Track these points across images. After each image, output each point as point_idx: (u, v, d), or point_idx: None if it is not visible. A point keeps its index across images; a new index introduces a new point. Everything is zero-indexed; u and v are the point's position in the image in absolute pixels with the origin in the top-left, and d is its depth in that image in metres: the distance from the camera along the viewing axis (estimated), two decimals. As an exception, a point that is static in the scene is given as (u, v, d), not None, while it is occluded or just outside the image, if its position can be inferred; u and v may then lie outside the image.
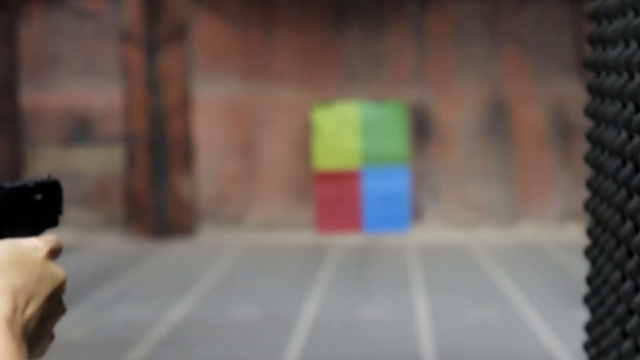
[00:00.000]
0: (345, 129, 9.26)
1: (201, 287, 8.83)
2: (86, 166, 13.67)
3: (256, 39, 13.95)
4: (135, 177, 11.79)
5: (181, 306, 8.00)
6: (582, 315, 1.87)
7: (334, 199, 9.17)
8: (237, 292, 8.59)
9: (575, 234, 11.84)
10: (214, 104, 13.68)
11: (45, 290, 0.89)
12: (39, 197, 0.93)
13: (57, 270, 0.91)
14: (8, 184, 0.91)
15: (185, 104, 11.85)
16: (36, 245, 0.90)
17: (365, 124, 9.21)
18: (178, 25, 11.77)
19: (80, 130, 13.73)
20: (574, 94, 13.24)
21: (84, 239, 12.02)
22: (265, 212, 13.12)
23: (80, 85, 13.96)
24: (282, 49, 13.88)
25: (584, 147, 2.04)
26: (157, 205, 11.72)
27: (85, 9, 13.67)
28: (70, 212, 13.62)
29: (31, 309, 0.87)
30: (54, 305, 0.90)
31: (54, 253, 0.92)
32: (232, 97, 13.76)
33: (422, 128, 13.62)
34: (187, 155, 11.85)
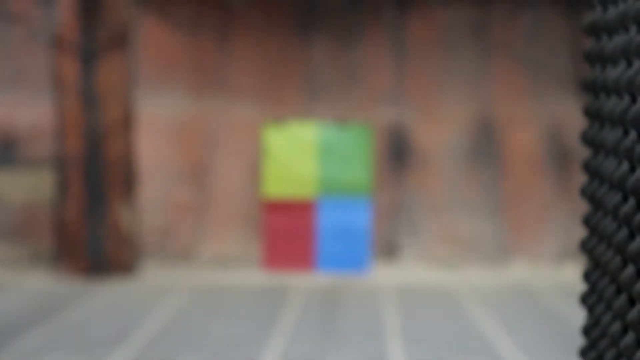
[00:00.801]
0: (300, 152, 9.27)
1: (143, 334, 8.78)
2: (10, 192, 13.56)
3: (209, 48, 13.97)
4: (67, 206, 11.72)
5: (119, 357, 7.94)
6: (579, 370, 1.88)
7: (285, 232, 9.15)
8: (184, 340, 8.54)
9: (574, 276, 11.93)
10: (160, 121, 13.65)
11: None
12: None
13: None
14: None
15: (126, 122, 11.82)
16: None
17: (323, 147, 9.21)
18: (119, 32, 11.76)
19: (3, 151, 13.63)
20: (573, 116, 13.39)
21: (6, 278, 11.91)
22: (218, 246, 13.08)
23: (4, 99, 13.88)
24: (238, 60, 13.91)
25: (584, 176, 2.06)
26: (92, 238, 11.66)
27: (12, 11, 13.62)
28: (-9, 246, 13.54)
29: None
30: None
31: None
32: (181, 114, 13.75)
33: (399, 152, 13.67)
34: (128, 181, 11.81)
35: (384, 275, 12.17)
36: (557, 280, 11.70)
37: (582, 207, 1.79)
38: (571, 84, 14.04)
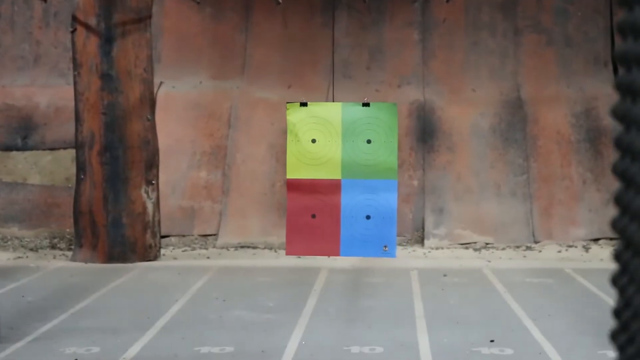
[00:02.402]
0: (324, 134, 9.21)
1: (165, 317, 8.80)
2: (29, 175, 13.62)
3: (231, 29, 13.97)
4: (87, 188, 11.75)
5: (141, 339, 7.97)
6: (612, 353, 1.85)
7: (308, 215, 9.10)
8: (207, 322, 8.56)
9: (605, 259, 11.86)
10: (181, 103, 13.67)
11: None
12: None
13: None
14: None
15: (146, 103, 11.82)
16: None
17: (347, 128, 9.14)
18: (140, 11, 11.75)
19: (22, 132, 13.70)
20: (605, 94, 13.29)
21: (26, 262, 11.98)
22: (240, 228, 13.10)
23: (23, 80, 13.94)
24: (260, 41, 13.90)
25: (615, 155, 2.02)
26: (113, 221, 11.68)
27: (31, -10, 13.67)
28: (9, 230, 13.61)
29: None
30: None
31: None
32: (202, 95, 13.76)
33: (426, 134, 13.64)
34: (148, 163, 11.82)
35: (411, 259, 12.17)
36: (588, 264, 11.64)
37: (614, 187, 1.75)
38: (602, 62, 13.94)
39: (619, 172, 1.78)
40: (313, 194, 9.07)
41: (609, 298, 8.58)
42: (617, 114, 1.81)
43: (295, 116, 9.26)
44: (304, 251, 9.25)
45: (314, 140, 9.24)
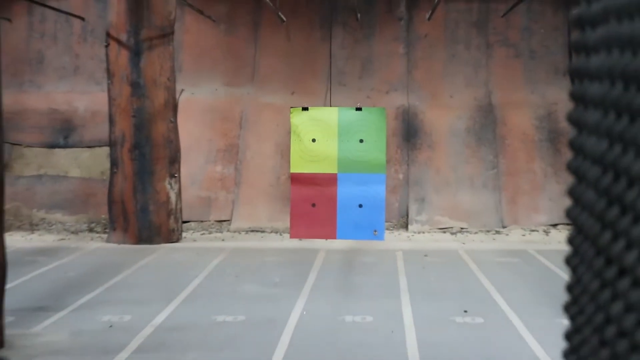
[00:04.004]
0: (323, 133, 9.23)
1: (186, 290, 8.82)
2: (69, 169, 13.64)
3: (242, 42, 13.97)
4: (119, 180, 11.76)
5: (166, 309, 7.99)
6: (566, 321, 1.88)
7: (308, 204, 9.13)
8: (222, 295, 8.58)
9: (562, 241, 11.88)
10: (199, 107, 13.68)
11: None
12: None
13: None
14: None
15: (169, 107, 11.83)
16: None
17: (343, 129, 9.17)
18: (164, 27, 11.75)
19: (64, 132, 13.71)
20: (564, 100, 13.29)
21: (68, 243, 11.99)
22: (250, 215, 13.11)
23: (64, 87, 13.94)
24: (267, 53, 13.89)
25: (570, 155, 2.05)
26: (141, 209, 11.70)
27: (70, 9, 13.65)
28: (54, 216, 13.62)
29: None
30: None
31: None
32: (217, 100, 13.77)
33: (410, 134, 13.65)
34: (171, 158, 11.84)
35: (396, 240, 12.18)
36: (547, 246, 11.66)
37: (569, 180, 1.78)
38: (561, 72, 13.93)
39: (573, 169, 1.81)
40: (313, 186, 9.08)
41: (565, 275, 8.60)
42: (572, 119, 1.84)
43: (298, 119, 9.27)
44: (305, 235, 9.27)
45: (314, 140, 9.24)
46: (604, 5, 1.63)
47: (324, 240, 10.46)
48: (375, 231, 9.15)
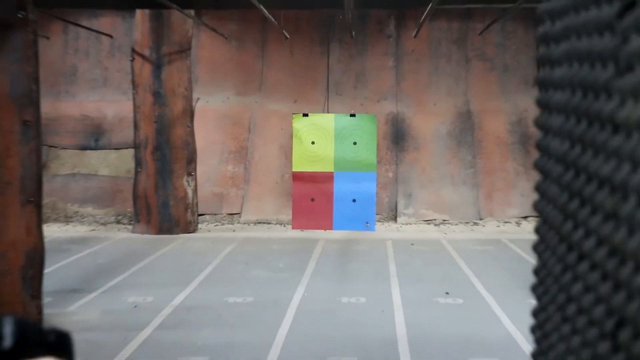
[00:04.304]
0: (321, 137, 9.25)
1: (201, 275, 8.83)
2: (99, 168, 13.64)
3: (251, 57, 13.96)
4: (143, 178, 11.77)
5: (184, 291, 7.99)
6: (533, 301, 1.88)
7: (308, 199, 9.14)
8: (233, 279, 8.59)
9: (532, 231, 11.89)
10: (212, 113, 13.68)
11: None
12: (51, 338, 1.00)
13: None
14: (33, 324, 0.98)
15: (187, 113, 11.83)
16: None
17: (339, 133, 9.19)
18: (182, 44, 11.76)
19: (94, 136, 13.71)
20: (532, 107, 13.29)
21: (98, 234, 12.00)
22: (257, 209, 13.12)
23: (95, 97, 13.94)
24: (273, 66, 13.89)
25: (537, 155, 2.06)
26: (162, 203, 11.71)
27: (100, 28, 13.65)
28: (86, 209, 13.61)
29: None
30: None
31: None
32: (229, 107, 13.76)
33: (398, 137, 13.64)
34: (189, 159, 11.84)
35: (386, 231, 12.19)
36: (518, 235, 11.67)
37: (537, 178, 1.78)
38: (531, 84, 13.91)
39: (539, 167, 1.81)
40: (312, 183, 9.09)
41: (533, 260, 8.60)
42: (538, 124, 1.84)
43: (299, 124, 9.27)
44: (306, 226, 9.27)
45: (313, 142, 9.24)
46: (566, 24, 1.64)
47: (322, 230, 10.47)
48: (367, 223, 9.15)
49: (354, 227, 9.23)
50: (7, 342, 0.93)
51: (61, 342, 0.99)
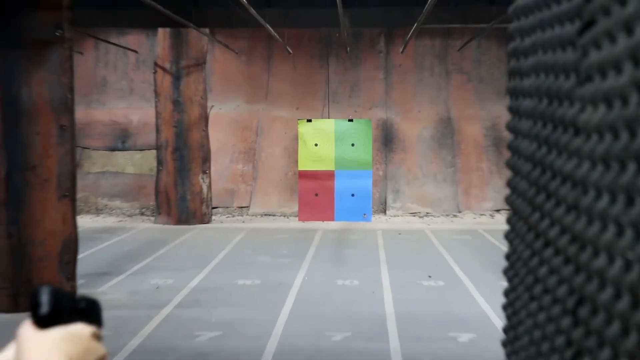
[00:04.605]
0: (323, 139, 9.26)
1: (215, 260, 8.83)
2: (126, 167, 13.64)
3: (258, 69, 13.95)
4: (164, 175, 11.77)
5: (200, 274, 8.00)
6: (505, 283, 1.88)
7: (312, 193, 9.16)
8: (242, 264, 8.60)
9: (504, 222, 11.89)
10: (225, 119, 13.67)
11: (91, 358, 0.96)
12: (83, 305, 1.00)
13: (99, 346, 0.98)
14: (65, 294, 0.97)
15: (202, 119, 11.84)
16: (82, 327, 0.97)
17: (338, 136, 9.20)
18: (198, 58, 11.76)
19: (121, 139, 13.71)
20: (505, 114, 13.27)
21: (125, 224, 12.00)
22: (265, 203, 13.12)
23: (122, 104, 13.93)
24: (278, 78, 13.89)
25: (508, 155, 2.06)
26: (181, 197, 11.71)
27: (127, 45, 13.64)
28: (114, 203, 13.60)
29: None
30: None
31: (96, 335, 0.98)
32: (239, 114, 13.76)
33: (388, 140, 13.65)
34: (204, 159, 11.85)
35: (377, 222, 12.20)
36: (492, 226, 11.68)
37: (508, 175, 1.79)
38: (503, 93, 13.90)
39: (510, 165, 1.82)
40: (316, 180, 9.10)
41: (505, 248, 8.60)
42: (509, 128, 1.85)
43: (304, 128, 9.28)
44: (311, 218, 9.30)
45: (316, 144, 9.26)
46: (533, 40, 1.64)
47: (321, 222, 10.48)
48: (364, 214, 9.17)
49: (353, 218, 9.25)
50: (45, 308, 0.93)
51: (91, 309, 0.99)
